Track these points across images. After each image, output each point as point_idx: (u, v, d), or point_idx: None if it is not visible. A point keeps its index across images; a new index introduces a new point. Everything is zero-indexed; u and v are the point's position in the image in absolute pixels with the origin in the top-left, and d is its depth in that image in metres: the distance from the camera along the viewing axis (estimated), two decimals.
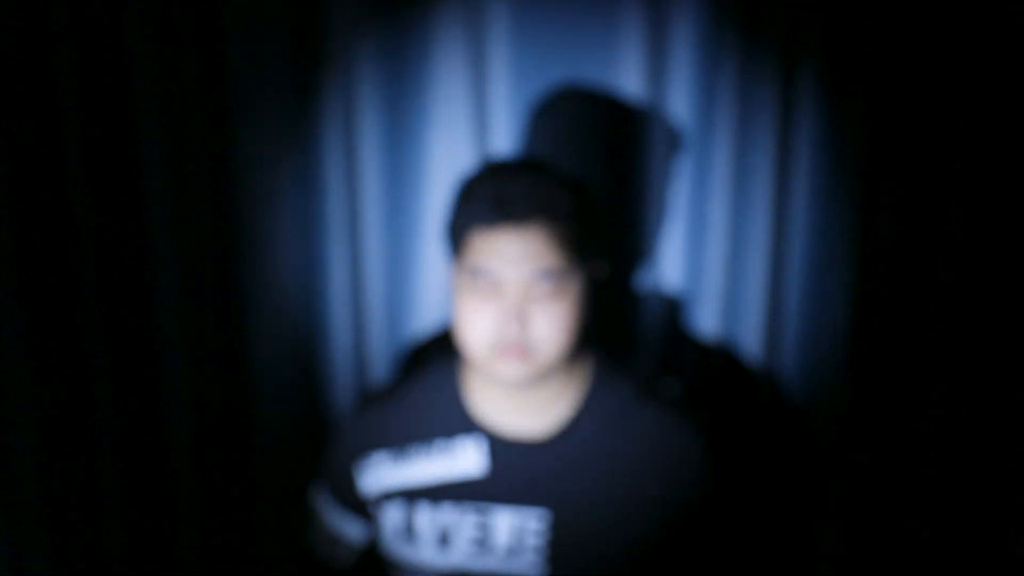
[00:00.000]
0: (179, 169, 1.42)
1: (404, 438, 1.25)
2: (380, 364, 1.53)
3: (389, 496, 1.24)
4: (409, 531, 1.23)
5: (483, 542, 1.20)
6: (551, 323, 1.12)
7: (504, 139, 1.45)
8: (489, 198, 1.11)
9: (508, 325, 1.11)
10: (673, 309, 1.52)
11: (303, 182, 1.47)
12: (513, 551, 1.19)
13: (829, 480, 1.52)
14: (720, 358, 1.51)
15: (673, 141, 1.46)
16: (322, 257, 1.50)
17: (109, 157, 1.39)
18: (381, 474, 1.25)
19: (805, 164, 1.43)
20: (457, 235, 1.15)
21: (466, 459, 1.21)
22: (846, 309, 1.45)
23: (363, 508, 1.29)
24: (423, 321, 1.53)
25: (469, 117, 1.44)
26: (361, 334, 1.53)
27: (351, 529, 1.32)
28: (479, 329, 1.12)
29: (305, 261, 1.50)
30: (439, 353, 1.38)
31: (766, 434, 1.53)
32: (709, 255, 1.47)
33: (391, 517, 1.24)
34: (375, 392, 1.33)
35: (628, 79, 1.43)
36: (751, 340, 1.49)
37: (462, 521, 1.21)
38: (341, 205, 1.48)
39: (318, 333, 1.53)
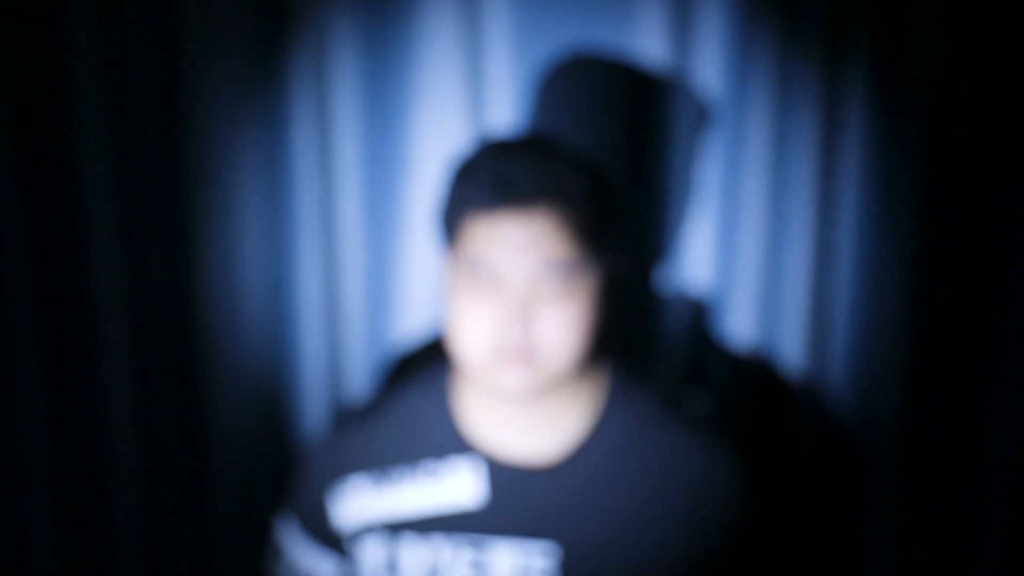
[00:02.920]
0: (122, 150, 1.44)
1: (386, 460, 1.24)
2: (358, 376, 1.53)
3: (369, 528, 1.23)
4: (392, 569, 1.22)
5: None
6: (560, 325, 1.11)
7: (503, 113, 1.45)
8: (489, 178, 1.11)
9: (510, 327, 1.10)
10: (701, 310, 1.51)
11: (268, 163, 1.47)
12: None
13: (883, 511, 1.52)
14: (756, 368, 1.51)
15: (701, 115, 1.45)
16: (291, 251, 1.50)
17: (43, 140, 1.39)
18: (359, 502, 1.24)
19: (854, 141, 1.43)
20: (451, 222, 1.15)
21: (459, 485, 1.20)
22: (903, 311, 1.46)
23: (338, 543, 1.28)
24: (408, 324, 1.53)
25: (462, 87, 1.43)
26: (336, 341, 1.52)
27: (324, 568, 1.30)
28: (476, 332, 1.12)
29: (271, 256, 1.50)
30: (428, 362, 1.37)
31: (809, 456, 1.52)
32: (743, 248, 1.47)
33: (371, 553, 1.23)
34: (352, 409, 1.32)
35: (648, 42, 1.43)
36: (792, 347, 1.49)
37: (455, 558, 1.20)
38: (312, 189, 1.47)
39: (286, 340, 1.53)
